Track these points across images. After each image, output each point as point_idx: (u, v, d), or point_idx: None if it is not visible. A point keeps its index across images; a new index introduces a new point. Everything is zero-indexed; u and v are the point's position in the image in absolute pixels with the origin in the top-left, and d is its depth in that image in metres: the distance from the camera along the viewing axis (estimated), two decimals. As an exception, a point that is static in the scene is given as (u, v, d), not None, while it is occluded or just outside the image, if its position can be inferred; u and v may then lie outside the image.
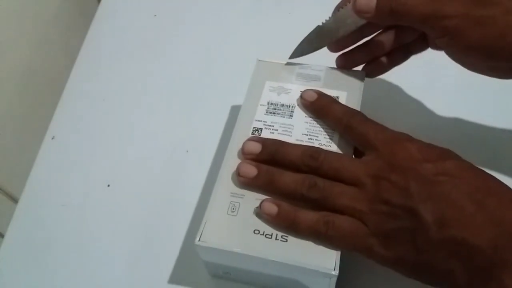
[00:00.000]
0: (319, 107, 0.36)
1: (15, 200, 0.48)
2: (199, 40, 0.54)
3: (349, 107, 0.36)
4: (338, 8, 0.37)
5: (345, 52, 0.39)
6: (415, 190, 0.29)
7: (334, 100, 0.36)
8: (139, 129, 0.48)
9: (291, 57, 0.40)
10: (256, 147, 0.34)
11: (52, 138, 0.48)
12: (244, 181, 0.33)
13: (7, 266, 0.40)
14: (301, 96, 0.37)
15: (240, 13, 0.56)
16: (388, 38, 0.38)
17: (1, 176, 0.49)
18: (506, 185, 0.29)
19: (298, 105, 0.38)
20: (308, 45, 0.39)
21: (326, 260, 0.30)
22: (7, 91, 0.51)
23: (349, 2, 0.36)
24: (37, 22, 0.57)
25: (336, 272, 0.30)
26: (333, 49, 0.39)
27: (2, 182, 0.49)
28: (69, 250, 0.40)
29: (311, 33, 0.39)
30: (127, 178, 0.44)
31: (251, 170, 0.33)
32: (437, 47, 0.36)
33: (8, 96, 0.51)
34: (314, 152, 0.33)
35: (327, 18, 0.38)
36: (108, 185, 0.44)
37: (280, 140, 0.35)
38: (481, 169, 0.30)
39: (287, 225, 0.31)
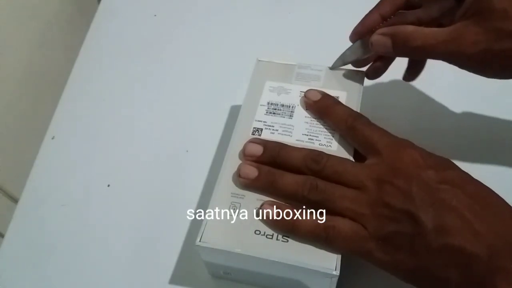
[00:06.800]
0: (323, 107, 0.36)
1: (15, 200, 0.48)
2: (199, 40, 0.54)
3: (353, 110, 0.36)
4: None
5: (374, 66, 0.39)
6: (417, 195, 0.29)
7: (337, 101, 0.37)
8: (139, 129, 0.48)
9: (333, 66, 0.40)
10: (257, 149, 0.34)
11: (52, 138, 0.48)
12: (245, 182, 0.33)
13: (7, 266, 0.40)
14: (304, 96, 0.37)
15: (240, 13, 0.56)
16: None
17: (1, 176, 0.49)
18: (500, 197, 0.29)
19: (298, 105, 0.38)
20: (349, 55, 0.39)
21: (327, 260, 0.30)
22: (7, 91, 0.51)
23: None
24: (37, 22, 0.57)
25: (337, 272, 0.30)
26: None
27: (2, 182, 0.49)
28: (69, 250, 0.40)
29: (353, 45, 0.39)
30: (127, 178, 0.44)
31: (252, 171, 0.33)
32: None
33: (8, 96, 0.51)
34: (317, 156, 0.33)
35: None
36: (108, 185, 0.44)
37: (282, 143, 0.35)
38: (478, 180, 0.30)
39: (287, 229, 0.31)
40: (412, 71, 0.40)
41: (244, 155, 0.34)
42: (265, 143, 0.34)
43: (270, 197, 0.33)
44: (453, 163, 0.31)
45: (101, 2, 0.59)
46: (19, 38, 0.53)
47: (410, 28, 0.34)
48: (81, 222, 0.42)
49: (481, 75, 0.34)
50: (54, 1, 0.59)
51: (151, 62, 0.53)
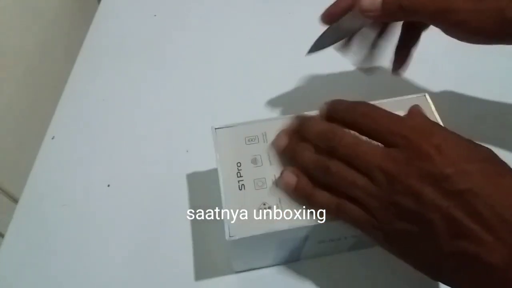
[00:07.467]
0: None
1: (15, 200, 0.48)
2: (198, 40, 0.55)
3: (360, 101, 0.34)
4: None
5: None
6: (430, 197, 0.26)
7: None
8: (139, 129, 0.48)
9: (309, 52, 0.39)
10: (293, 123, 0.34)
11: (52, 138, 0.48)
12: (277, 151, 0.34)
13: (7, 266, 0.40)
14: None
15: (240, 13, 0.56)
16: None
17: (1, 176, 0.49)
18: None
19: None
20: (323, 41, 0.39)
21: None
22: (7, 91, 0.51)
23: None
24: (37, 22, 0.57)
25: (231, 238, 0.30)
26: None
27: (2, 182, 0.49)
28: (69, 250, 0.40)
29: (325, 32, 0.39)
30: (127, 178, 0.44)
31: (282, 142, 0.34)
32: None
33: (8, 96, 0.51)
34: (329, 132, 0.31)
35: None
36: (108, 185, 0.44)
37: (308, 116, 0.34)
38: None
39: (303, 199, 0.32)
40: (399, 61, 0.40)
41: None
42: (297, 117, 0.34)
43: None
44: (486, 153, 0.28)
45: (101, 2, 0.59)
46: (19, 38, 0.53)
47: None
48: (81, 222, 0.42)
49: (455, 37, 0.35)
50: (54, 1, 0.60)
51: (151, 62, 0.53)
